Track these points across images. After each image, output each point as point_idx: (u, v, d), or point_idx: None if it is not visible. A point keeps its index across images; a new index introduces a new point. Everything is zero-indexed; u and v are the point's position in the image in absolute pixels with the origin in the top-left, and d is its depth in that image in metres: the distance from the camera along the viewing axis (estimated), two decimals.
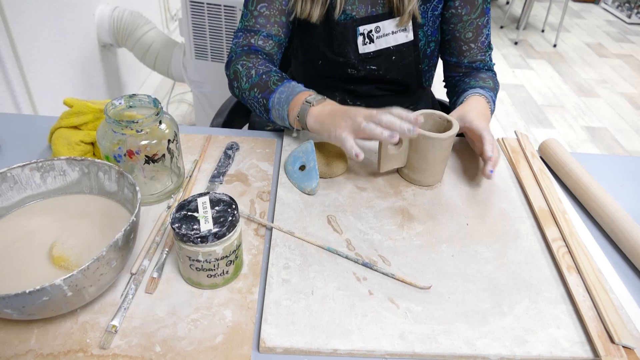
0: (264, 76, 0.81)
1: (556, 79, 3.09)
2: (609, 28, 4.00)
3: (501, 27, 3.91)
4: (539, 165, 0.78)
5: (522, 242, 0.65)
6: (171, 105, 2.44)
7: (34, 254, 0.55)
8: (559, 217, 0.68)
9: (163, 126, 0.64)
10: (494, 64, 0.95)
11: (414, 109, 0.98)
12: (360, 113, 0.68)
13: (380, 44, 0.89)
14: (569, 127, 2.57)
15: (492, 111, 0.86)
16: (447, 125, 0.72)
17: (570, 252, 0.63)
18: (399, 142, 0.72)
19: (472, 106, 0.80)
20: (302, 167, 0.73)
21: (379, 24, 0.87)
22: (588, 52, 3.51)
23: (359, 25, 0.87)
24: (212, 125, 1.05)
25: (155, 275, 0.57)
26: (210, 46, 1.74)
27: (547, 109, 2.73)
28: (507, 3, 4.40)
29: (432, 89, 1.10)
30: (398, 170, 0.77)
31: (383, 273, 0.59)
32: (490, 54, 0.94)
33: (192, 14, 1.67)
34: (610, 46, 3.63)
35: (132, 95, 0.65)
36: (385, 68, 0.91)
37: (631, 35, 3.88)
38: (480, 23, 0.89)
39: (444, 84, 1.00)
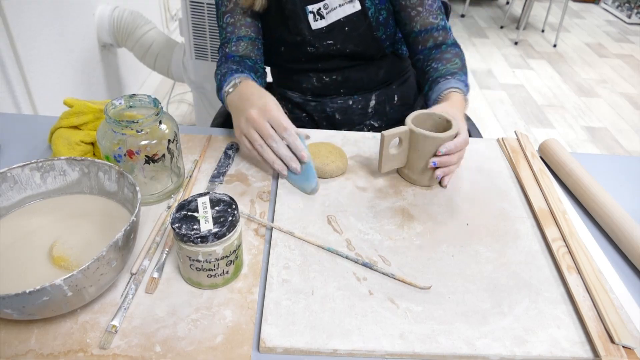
0: (220, 78, 0.86)
1: (556, 79, 3.09)
2: (609, 28, 4.00)
3: (501, 27, 3.91)
4: (539, 165, 0.78)
5: (522, 242, 0.65)
6: (171, 105, 2.44)
7: (34, 254, 0.55)
8: (559, 217, 0.68)
9: (163, 126, 0.64)
10: (450, 27, 0.94)
11: (388, 77, 1.04)
12: (254, 123, 0.71)
13: (330, 18, 0.92)
14: (569, 127, 2.57)
15: (467, 92, 0.86)
16: (447, 125, 0.72)
17: (570, 252, 0.63)
18: (400, 142, 0.72)
19: (449, 108, 0.78)
20: None
21: (326, 1, 0.90)
22: (588, 52, 3.51)
23: (307, 5, 0.91)
24: (212, 125, 1.05)
25: (155, 275, 0.57)
26: (210, 46, 1.74)
27: (547, 109, 2.73)
28: (507, 3, 4.40)
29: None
30: (398, 171, 0.77)
31: (383, 273, 0.59)
32: (443, 17, 0.93)
33: (192, 14, 1.67)
34: (610, 46, 3.63)
35: (132, 95, 0.65)
36: (341, 40, 0.94)
37: (631, 35, 3.88)
38: None
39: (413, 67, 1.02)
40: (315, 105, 1.03)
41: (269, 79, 1.08)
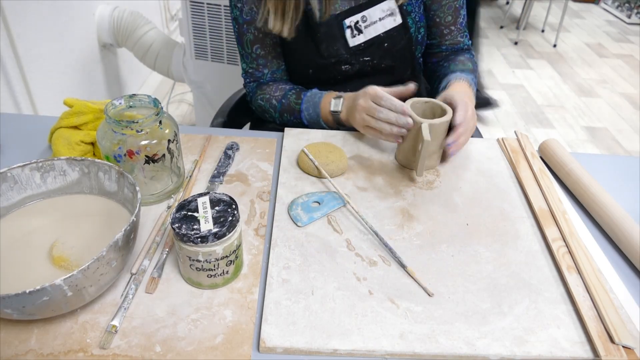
0: (283, 100, 0.90)
1: (556, 79, 3.09)
2: (609, 28, 4.00)
3: (501, 27, 3.91)
4: (539, 165, 0.78)
5: (522, 242, 0.65)
6: (171, 105, 2.44)
7: (34, 254, 0.55)
8: (559, 217, 0.68)
9: (163, 126, 0.64)
10: (470, 42, 0.98)
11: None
12: (362, 108, 0.76)
13: (369, 33, 0.88)
14: (569, 127, 2.57)
15: (474, 93, 0.89)
16: (441, 113, 0.74)
17: (570, 252, 0.63)
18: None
19: (456, 90, 0.82)
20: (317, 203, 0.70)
21: (364, 13, 0.87)
22: (588, 52, 3.50)
23: (344, 19, 0.87)
24: (212, 125, 1.05)
25: (155, 275, 0.57)
26: (211, 46, 1.74)
27: (547, 109, 2.73)
28: (507, 3, 4.40)
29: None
30: (396, 157, 0.79)
31: (399, 262, 0.59)
32: (467, 34, 0.96)
33: (192, 14, 1.67)
34: (610, 46, 3.63)
35: (132, 95, 0.65)
36: (379, 56, 0.91)
37: (631, 35, 3.88)
38: (457, 5, 0.91)
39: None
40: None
41: None
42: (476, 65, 0.95)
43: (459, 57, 0.94)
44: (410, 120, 0.72)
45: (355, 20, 0.87)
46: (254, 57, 0.92)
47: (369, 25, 0.88)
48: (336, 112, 0.84)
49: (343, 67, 0.91)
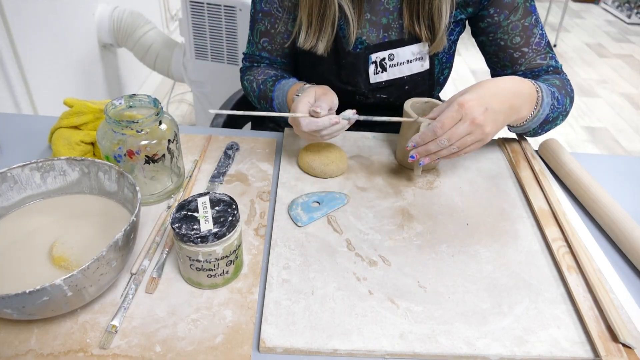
0: (261, 86, 0.86)
1: None
2: (609, 28, 4.00)
3: None
4: (539, 166, 0.78)
5: (522, 242, 0.65)
6: (171, 105, 2.44)
7: (34, 254, 0.55)
8: (559, 216, 0.68)
9: (163, 126, 0.64)
10: (561, 65, 0.83)
11: None
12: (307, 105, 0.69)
13: (393, 73, 0.83)
14: (569, 127, 2.57)
15: (542, 101, 0.70)
16: None
17: (570, 251, 0.63)
18: None
19: (488, 84, 0.65)
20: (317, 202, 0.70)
21: (393, 51, 0.81)
22: (588, 52, 3.51)
23: (372, 53, 0.82)
24: (212, 125, 1.05)
25: (155, 275, 0.57)
26: (210, 46, 1.74)
27: None
28: None
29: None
30: (396, 157, 0.79)
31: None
32: (552, 55, 0.82)
33: (192, 14, 1.67)
34: (610, 46, 3.63)
35: (132, 95, 0.65)
36: (396, 96, 0.86)
37: (631, 35, 3.88)
38: (527, 24, 0.78)
39: None
40: None
41: None
42: (568, 85, 0.78)
43: (546, 75, 0.80)
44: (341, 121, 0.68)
45: (382, 57, 0.82)
46: (259, 49, 0.90)
47: (394, 65, 0.82)
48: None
49: (357, 97, 0.87)
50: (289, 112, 0.79)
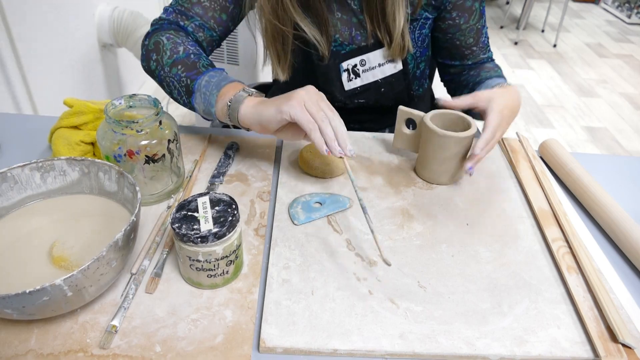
0: (192, 56, 0.72)
1: (556, 79, 3.09)
2: (609, 28, 4.01)
3: (501, 27, 3.91)
4: (539, 166, 0.79)
5: (522, 242, 0.65)
6: (171, 105, 2.44)
7: (34, 254, 0.55)
8: (560, 217, 0.68)
9: (163, 126, 0.64)
10: (492, 53, 0.93)
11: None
12: (305, 101, 0.62)
13: (367, 78, 0.84)
14: (569, 127, 2.57)
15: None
16: (465, 125, 0.72)
17: (570, 252, 0.63)
18: (417, 127, 0.74)
19: (504, 96, 0.73)
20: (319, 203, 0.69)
21: (364, 56, 0.82)
22: (588, 52, 3.51)
23: (342, 62, 0.82)
24: (212, 125, 1.05)
25: (155, 275, 0.57)
26: None
27: (547, 109, 2.73)
28: (507, 3, 4.40)
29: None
30: (415, 169, 0.77)
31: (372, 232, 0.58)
32: (489, 49, 0.92)
33: None
34: (610, 46, 3.63)
35: (132, 95, 0.65)
36: (374, 99, 0.87)
37: (631, 35, 3.88)
38: (479, 26, 0.86)
39: (442, 84, 0.98)
40: None
41: None
42: (500, 69, 0.91)
43: (486, 64, 0.89)
44: (339, 152, 0.62)
45: (353, 64, 0.82)
46: (194, 2, 0.77)
47: (367, 70, 0.83)
48: (247, 92, 0.67)
49: (336, 103, 0.84)
50: (215, 97, 0.68)
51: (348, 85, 0.85)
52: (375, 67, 0.83)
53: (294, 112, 0.62)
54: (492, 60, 0.93)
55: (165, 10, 0.81)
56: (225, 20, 0.80)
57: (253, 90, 0.68)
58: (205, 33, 0.79)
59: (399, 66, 0.84)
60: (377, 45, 0.82)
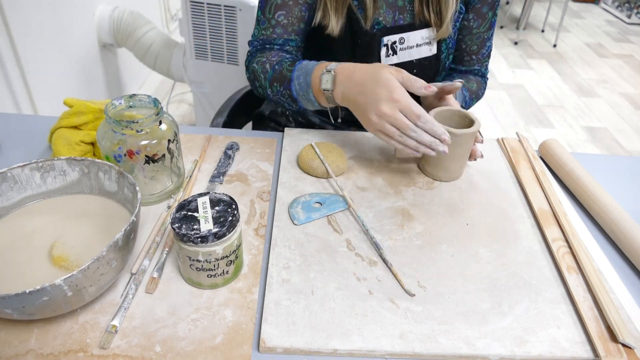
0: (276, 66, 0.80)
1: (556, 79, 3.09)
2: (609, 28, 4.01)
3: (501, 27, 3.91)
4: (539, 166, 0.79)
5: (522, 242, 0.65)
6: (171, 105, 2.44)
7: (34, 254, 0.55)
8: (560, 217, 0.68)
9: (163, 126, 0.64)
10: (488, 72, 0.97)
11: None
12: (386, 116, 0.66)
13: (403, 57, 0.86)
14: (569, 127, 2.57)
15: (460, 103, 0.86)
16: (468, 123, 0.72)
17: (570, 252, 0.63)
18: None
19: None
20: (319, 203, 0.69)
21: (404, 35, 0.84)
22: (588, 52, 3.51)
23: (384, 36, 0.84)
24: (212, 125, 1.05)
25: (155, 275, 0.57)
26: (211, 46, 1.74)
27: (547, 109, 2.73)
28: (507, 3, 4.40)
29: None
30: (418, 165, 0.78)
31: (385, 262, 0.59)
32: (487, 64, 0.95)
33: (192, 14, 1.67)
34: (610, 46, 3.63)
35: (132, 95, 0.65)
36: None
37: (631, 35, 3.88)
38: (486, 36, 0.90)
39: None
40: (334, 128, 0.96)
41: None
42: (482, 89, 0.92)
43: (469, 75, 0.93)
44: (447, 149, 0.66)
45: (393, 40, 0.84)
46: (273, 24, 0.84)
47: (404, 49, 0.85)
48: (327, 90, 0.73)
49: None
50: (312, 94, 0.76)
51: (385, 61, 0.86)
52: (413, 46, 0.85)
53: (375, 134, 0.70)
54: (484, 75, 0.96)
55: (251, 43, 0.88)
56: (303, 28, 0.86)
57: (332, 67, 0.73)
58: (290, 45, 0.86)
59: (434, 50, 0.86)
60: (423, 25, 0.84)
